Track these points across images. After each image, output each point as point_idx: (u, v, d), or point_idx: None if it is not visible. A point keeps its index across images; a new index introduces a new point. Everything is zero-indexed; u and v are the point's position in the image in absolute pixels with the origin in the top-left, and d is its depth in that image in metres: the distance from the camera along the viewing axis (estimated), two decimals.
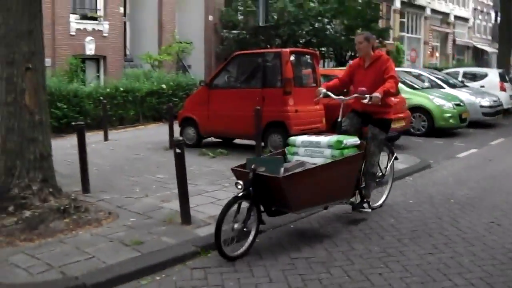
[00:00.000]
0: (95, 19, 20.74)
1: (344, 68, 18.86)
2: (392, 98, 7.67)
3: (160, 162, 10.76)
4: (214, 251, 5.95)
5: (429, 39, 47.61)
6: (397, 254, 6.00)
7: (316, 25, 25.14)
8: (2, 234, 6.15)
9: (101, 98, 16.30)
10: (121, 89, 17.66)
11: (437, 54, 50.40)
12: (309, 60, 12.79)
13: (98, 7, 21.15)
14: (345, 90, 8.70)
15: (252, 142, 11.56)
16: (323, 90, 7.43)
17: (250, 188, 5.92)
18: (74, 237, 6.15)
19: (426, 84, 18.91)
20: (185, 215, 6.67)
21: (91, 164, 8.72)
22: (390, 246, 6.27)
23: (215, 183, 8.99)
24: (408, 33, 44.24)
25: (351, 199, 7.21)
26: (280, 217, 6.53)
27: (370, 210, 7.33)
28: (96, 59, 21.28)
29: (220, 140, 13.26)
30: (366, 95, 6.97)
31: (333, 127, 8.02)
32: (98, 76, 20.94)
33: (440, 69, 28.45)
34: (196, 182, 8.86)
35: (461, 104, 16.80)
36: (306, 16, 23.85)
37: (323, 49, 26.33)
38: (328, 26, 26.27)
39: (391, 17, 41.24)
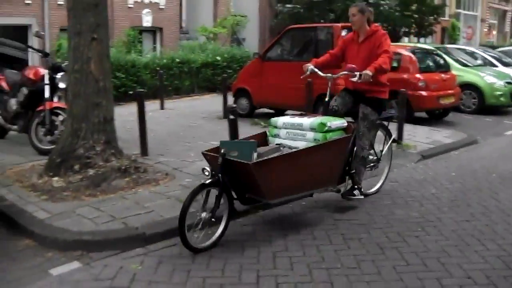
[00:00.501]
0: None
1: (398, 44, 19.11)
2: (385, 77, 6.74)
3: (214, 130, 11.23)
4: (263, 211, 6.43)
5: (486, 16, 46.71)
6: (434, 220, 6.34)
7: (371, 0, 25.11)
8: (69, 190, 6.73)
9: (158, 68, 16.89)
10: (177, 60, 18.21)
11: (494, 32, 49.46)
12: None
13: None
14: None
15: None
16: (310, 66, 6.79)
17: (219, 175, 5.41)
18: (134, 194, 6.69)
19: (479, 61, 18.86)
20: None
21: (148, 130, 9.20)
22: (429, 213, 6.61)
23: None
24: (464, 10, 43.47)
25: (339, 186, 6.64)
26: None
27: (362, 197, 6.77)
28: (153, 31, 21.81)
29: (272, 111, 13.65)
30: (356, 73, 6.31)
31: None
32: (155, 48, 21.48)
33: (494, 47, 28.10)
34: None
35: None
36: None
37: (378, 24, 26.37)
38: (383, 2, 26.21)
39: None
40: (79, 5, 7.07)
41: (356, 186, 6.73)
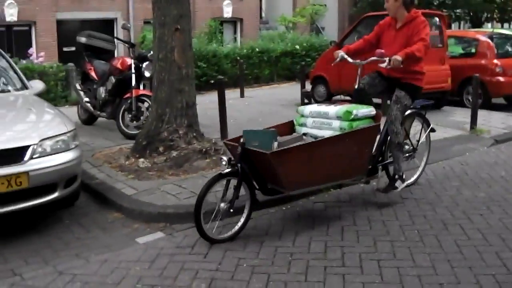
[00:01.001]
0: None
1: (476, 29, 18.92)
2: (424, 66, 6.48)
3: (291, 116, 11.44)
4: (334, 190, 6.79)
5: None
6: (500, 200, 6.53)
7: None
8: (154, 169, 7.28)
9: (238, 58, 17.40)
10: (257, 49, 18.68)
11: None
12: (437, 22, 13.11)
13: None
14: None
15: (379, 100, 12.13)
16: (340, 53, 6.49)
17: (239, 165, 5.33)
18: (214, 173, 7.15)
19: None
20: None
21: (228, 116, 9.67)
22: (496, 194, 6.79)
23: None
24: None
25: (369, 178, 6.58)
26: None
27: (404, 185, 6.55)
28: (233, 22, 22.35)
29: (349, 98, 13.90)
30: (386, 58, 6.04)
31: None
32: (235, 38, 22.02)
33: None
34: None
35: None
36: None
37: (458, 11, 26.02)
38: None
39: None
40: None
41: (396, 177, 6.50)
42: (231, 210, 5.34)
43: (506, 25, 31.21)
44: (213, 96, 12.10)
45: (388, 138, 6.49)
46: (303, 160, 5.48)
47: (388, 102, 6.92)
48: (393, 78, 6.42)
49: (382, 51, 6.15)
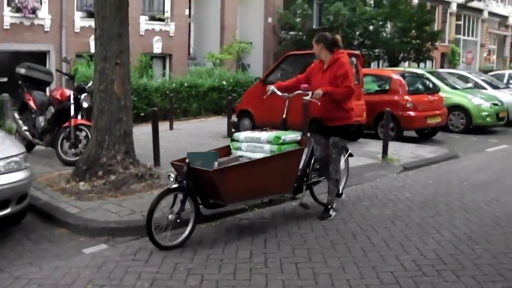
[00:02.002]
0: (162, 20, 22.44)
1: (396, 68, 20.28)
2: (352, 102, 7.51)
3: (218, 146, 12.39)
4: (259, 209, 7.61)
5: (486, 41, 47.94)
6: (403, 216, 7.52)
7: (371, 27, 26.31)
8: (94, 192, 7.93)
9: (168, 92, 18.08)
10: (186, 84, 19.39)
11: (494, 57, 50.70)
12: (354, 61, 14.21)
13: (165, 9, 22.91)
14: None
15: None
16: (271, 87, 7.54)
17: (185, 181, 6.17)
18: (150, 195, 7.85)
19: (469, 84, 20.03)
20: None
21: (160, 147, 10.40)
22: (400, 211, 7.79)
23: None
24: (464, 35, 44.64)
25: (295, 195, 7.60)
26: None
27: (334, 213, 7.46)
28: (163, 57, 23.01)
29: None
30: (309, 92, 7.08)
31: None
32: (165, 73, 22.69)
33: (486, 71, 29.35)
34: None
35: (499, 103, 17.89)
36: (359, 19, 25.01)
37: (376, 50, 27.50)
38: (382, 29, 27.44)
39: (447, 19, 41.95)
40: (106, 35, 8.32)
41: (329, 206, 7.45)
42: (178, 221, 6.18)
43: (422, 64, 33.11)
44: (143, 128, 12.82)
45: (312, 160, 7.51)
46: (240, 178, 6.37)
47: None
48: (327, 128, 7.32)
49: (306, 85, 7.18)
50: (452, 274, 5.45)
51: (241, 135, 7.25)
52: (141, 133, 12.34)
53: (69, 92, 10.38)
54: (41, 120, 10.70)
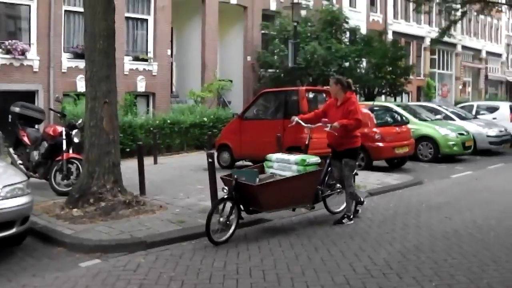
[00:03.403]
0: (145, 60, 23.46)
1: (365, 102, 21.40)
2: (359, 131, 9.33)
3: (200, 178, 13.25)
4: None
5: (460, 74, 49.43)
6: (362, 233, 8.51)
7: (347, 64, 27.40)
8: (86, 217, 8.84)
9: (151, 128, 19.02)
10: (168, 121, 20.33)
11: (469, 89, 52.21)
12: (323, 96, 15.27)
13: (148, 50, 23.96)
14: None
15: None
16: (296, 118, 9.59)
17: (233, 192, 7.97)
18: (137, 219, 8.83)
19: (438, 116, 21.23)
20: None
21: (145, 179, 11.34)
22: (360, 228, 8.79)
23: None
24: (439, 69, 46.12)
25: (313, 204, 9.23)
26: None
27: (351, 222, 9.10)
28: (146, 95, 23.94)
29: (250, 163, 15.78)
30: (328, 124, 8.92)
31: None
32: (148, 110, 23.58)
33: (456, 103, 30.64)
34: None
35: (465, 133, 19.03)
36: (334, 57, 26.14)
37: (355, 86, 28.55)
38: (357, 65, 28.61)
39: (422, 54, 43.49)
40: (95, 77, 9.34)
41: (346, 215, 9.15)
42: (227, 222, 7.94)
43: (399, 98, 34.33)
44: (129, 163, 13.73)
45: (326, 178, 9.34)
46: (275, 191, 8.32)
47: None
48: (340, 152, 9.17)
49: (326, 119, 9.14)
50: (396, 276, 6.42)
51: (273, 156, 9.15)
52: (127, 167, 13.20)
53: (61, 129, 11.34)
54: (35, 155, 11.64)
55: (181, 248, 7.67)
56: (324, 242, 7.96)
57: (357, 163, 9.76)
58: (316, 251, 7.50)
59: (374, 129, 15.71)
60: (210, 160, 9.30)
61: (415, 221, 9.37)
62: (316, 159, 9.00)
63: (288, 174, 8.71)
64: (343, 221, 9.10)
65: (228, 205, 8.07)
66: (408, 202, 11.04)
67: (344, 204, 9.57)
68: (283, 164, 8.93)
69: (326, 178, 9.37)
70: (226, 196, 8.00)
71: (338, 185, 9.55)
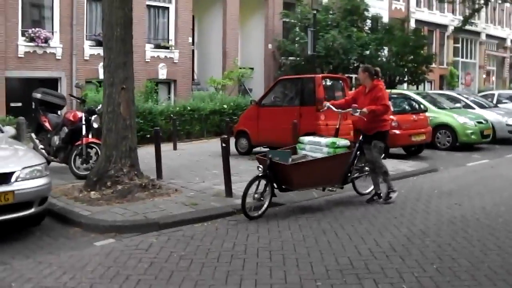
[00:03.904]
0: (167, 48, 23.82)
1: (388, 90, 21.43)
2: (387, 116, 10.00)
3: (216, 164, 13.46)
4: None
5: (484, 63, 49.13)
6: (370, 217, 8.69)
7: (367, 52, 27.42)
8: (103, 199, 9.12)
9: (172, 115, 19.30)
10: (189, 108, 20.63)
11: (493, 78, 51.87)
12: (340, 84, 15.44)
13: (170, 38, 24.27)
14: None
15: None
16: (327, 104, 10.28)
17: (267, 171, 8.61)
18: (152, 201, 9.10)
19: (458, 105, 21.26)
20: (228, 190, 9.56)
21: (163, 164, 11.63)
22: (369, 213, 8.98)
23: None
24: (462, 57, 45.88)
25: (342, 185, 9.79)
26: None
27: (396, 193, 9.84)
28: (168, 83, 24.31)
29: (267, 149, 15.98)
30: (358, 110, 9.47)
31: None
32: (169, 97, 23.91)
33: (480, 92, 30.57)
34: (242, 176, 11.66)
35: (484, 122, 19.06)
36: (354, 45, 26.19)
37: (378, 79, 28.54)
38: (378, 53, 28.63)
39: (445, 42, 43.31)
40: (113, 64, 9.61)
41: (391, 189, 9.83)
42: (262, 199, 8.64)
43: (421, 87, 34.31)
44: (149, 149, 13.99)
45: (355, 161, 9.76)
46: (306, 170, 8.95)
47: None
48: (370, 136, 9.71)
49: (356, 105, 9.60)
50: (399, 258, 6.60)
51: (305, 139, 9.83)
52: (147, 152, 13.52)
53: (81, 114, 11.66)
54: (56, 139, 11.96)
55: (193, 229, 7.92)
56: (332, 225, 8.16)
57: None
58: (324, 233, 7.70)
59: (391, 116, 15.79)
60: (224, 145, 9.53)
61: (424, 206, 9.52)
62: (345, 142, 9.64)
63: (319, 155, 9.33)
64: (390, 196, 9.80)
65: (263, 182, 8.68)
66: (420, 188, 11.17)
67: (372, 187, 10.13)
68: (314, 146, 9.56)
69: (355, 161, 9.82)
70: (260, 174, 8.63)
71: (367, 168, 10.06)
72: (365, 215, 8.83)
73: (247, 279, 5.91)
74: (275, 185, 8.86)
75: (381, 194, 9.87)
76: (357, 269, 6.23)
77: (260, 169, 8.67)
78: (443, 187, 11.40)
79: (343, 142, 9.60)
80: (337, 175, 9.48)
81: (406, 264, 6.42)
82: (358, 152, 9.86)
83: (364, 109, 9.40)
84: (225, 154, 9.62)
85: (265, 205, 8.71)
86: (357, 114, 9.57)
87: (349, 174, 9.75)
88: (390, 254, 6.76)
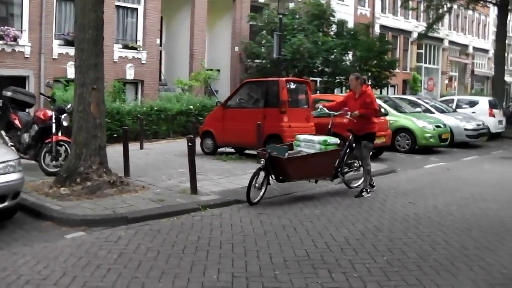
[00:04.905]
0: (135, 48, 24.00)
1: (338, 95, 22.00)
2: (375, 119, 11.49)
3: (182, 163, 13.76)
4: (211, 209, 9.21)
5: (447, 69, 50.16)
6: (329, 214, 9.19)
7: (332, 56, 27.93)
8: (73, 195, 9.45)
9: (139, 115, 19.53)
10: (156, 108, 20.86)
11: (455, 84, 52.95)
12: (303, 87, 15.93)
13: (138, 38, 24.51)
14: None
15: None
16: (320, 105, 11.85)
17: (267, 164, 9.85)
18: (120, 197, 9.48)
19: (418, 109, 21.96)
20: (193, 187, 9.97)
21: (130, 162, 11.98)
22: (327, 211, 9.48)
23: (220, 175, 12.31)
24: (426, 63, 46.82)
25: (333, 179, 11.14)
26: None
27: (369, 195, 10.83)
28: (135, 83, 24.47)
29: (232, 150, 16.44)
30: (348, 113, 10.89)
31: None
32: (136, 97, 24.07)
33: (442, 97, 31.43)
34: (207, 174, 12.16)
35: (442, 126, 19.77)
36: (320, 50, 26.72)
37: (341, 77, 29.16)
38: (344, 58, 29.20)
39: (409, 48, 44.17)
40: (84, 65, 9.97)
41: (364, 189, 10.89)
42: (262, 187, 9.86)
43: (384, 91, 35.02)
44: (116, 147, 14.30)
45: (345, 157, 11.09)
46: (300, 163, 10.35)
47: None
48: (359, 136, 10.94)
49: (347, 108, 11.00)
50: (353, 251, 7.11)
51: (301, 137, 11.17)
52: (114, 151, 13.80)
53: (51, 113, 11.96)
54: (26, 137, 12.24)
55: (159, 224, 8.33)
56: (292, 221, 8.63)
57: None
58: (283, 229, 8.16)
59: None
60: (189, 144, 9.95)
61: (380, 205, 10.06)
62: (335, 140, 10.92)
63: (312, 151, 10.65)
64: (362, 194, 10.83)
65: (262, 174, 9.91)
66: (378, 188, 11.64)
67: (361, 180, 11.30)
68: (308, 143, 10.86)
69: (345, 158, 11.08)
70: (261, 166, 9.85)
71: (357, 164, 11.39)
72: (323, 213, 9.32)
73: (210, 268, 6.35)
74: (272, 176, 10.07)
75: (373, 184, 11.30)
76: (313, 260, 6.72)
77: (262, 162, 9.86)
78: (400, 187, 11.97)
79: (333, 140, 10.87)
80: (328, 169, 10.83)
81: (359, 256, 6.92)
82: (348, 150, 11.12)
83: (356, 112, 10.71)
84: (191, 153, 10.03)
85: (262, 192, 9.90)
86: (348, 116, 10.98)
87: (339, 169, 11.03)
88: (344, 248, 7.26)
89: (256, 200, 9.73)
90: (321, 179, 11.12)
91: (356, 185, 11.46)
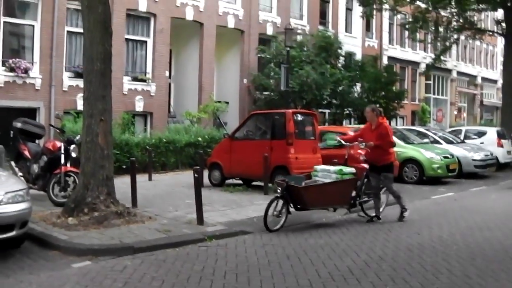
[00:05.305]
0: (144, 80, 24.27)
1: (352, 126, 22.15)
2: (393, 150, 11.75)
3: (189, 194, 13.80)
4: (216, 240, 9.29)
5: (455, 100, 50.22)
6: (333, 244, 9.27)
7: (340, 88, 28.13)
8: (80, 225, 9.58)
9: (147, 147, 19.69)
10: (164, 140, 21.00)
11: (464, 115, 52.98)
12: (310, 119, 16.07)
13: (147, 71, 24.79)
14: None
15: None
16: (338, 138, 12.87)
17: (284, 192, 10.24)
18: (127, 227, 9.60)
19: (426, 140, 22.02)
20: (199, 217, 10.07)
21: (138, 193, 12.11)
22: (332, 241, 9.56)
23: (227, 206, 12.42)
24: (434, 94, 46.85)
25: (351, 208, 11.46)
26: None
27: (408, 211, 11.66)
28: (144, 115, 24.69)
29: (240, 181, 16.52)
30: (363, 143, 11.41)
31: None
32: (145, 129, 24.27)
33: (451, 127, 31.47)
34: (214, 205, 12.27)
35: (450, 157, 19.80)
36: (327, 81, 26.90)
37: (349, 109, 29.28)
38: (352, 90, 29.38)
39: (417, 79, 44.32)
40: (92, 96, 10.17)
41: (403, 211, 11.62)
42: (280, 215, 10.23)
43: (394, 122, 35.11)
44: (125, 179, 14.38)
45: (363, 187, 11.60)
46: (317, 192, 10.82)
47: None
48: (378, 167, 11.40)
49: (361, 139, 11.56)
50: (355, 281, 7.17)
51: (318, 167, 11.58)
52: (123, 182, 13.94)
53: (60, 144, 12.15)
54: (35, 167, 12.42)
55: (165, 254, 8.42)
56: (296, 251, 8.71)
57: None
58: (287, 259, 8.23)
59: (359, 150, 16.39)
60: (195, 175, 10.07)
61: (385, 235, 10.11)
62: (351, 170, 11.30)
63: (328, 180, 11.03)
64: (403, 215, 11.59)
65: (280, 202, 10.27)
66: (383, 219, 11.73)
67: (382, 207, 11.89)
68: (325, 173, 11.19)
69: (363, 188, 11.53)
70: (279, 195, 10.26)
71: (375, 192, 11.64)
72: (328, 243, 9.39)
73: None
74: (291, 204, 10.48)
75: (380, 217, 11.59)
76: None
77: (278, 191, 10.30)
78: (406, 217, 11.97)
79: (349, 169, 11.27)
80: (344, 197, 11.22)
81: (362, 285, 6.98)
82: (365, 180, 11.59)
83: (371, 142, 11.22)
84: (197, 184, 10.15)
85: (282, 221, 10.28)
86: (362, 146, 11.61)
87: (357, 199, 11.48)
88: (347, 277, 7.32)
89: (276, 228, 10.08)
90: (337, 207, 11.38)
91: (373, 214, 11.68)
